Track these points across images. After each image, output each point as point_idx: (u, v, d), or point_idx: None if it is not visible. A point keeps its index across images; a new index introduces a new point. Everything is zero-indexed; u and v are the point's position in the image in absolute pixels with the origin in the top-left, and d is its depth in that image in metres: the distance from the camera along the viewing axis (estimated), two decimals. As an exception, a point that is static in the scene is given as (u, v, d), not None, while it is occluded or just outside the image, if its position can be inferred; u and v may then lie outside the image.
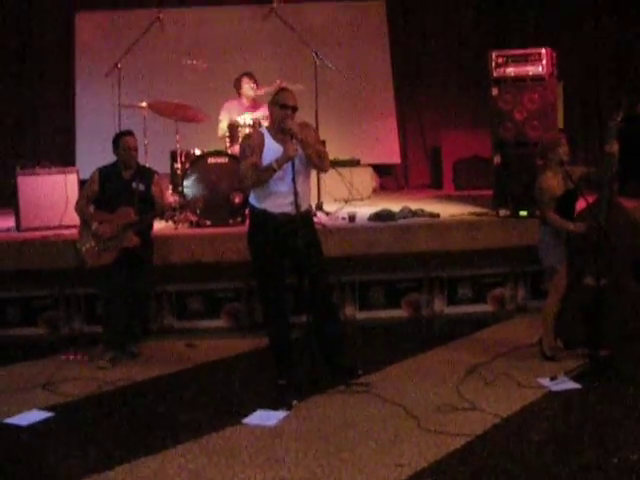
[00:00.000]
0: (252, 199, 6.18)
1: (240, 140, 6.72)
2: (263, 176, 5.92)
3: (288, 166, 5.85)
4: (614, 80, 12.57)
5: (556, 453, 4.78)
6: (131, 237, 6.89)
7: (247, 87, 9.62)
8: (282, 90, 6.25)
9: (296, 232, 5.85)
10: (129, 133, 7.25)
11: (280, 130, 6.00)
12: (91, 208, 7.18)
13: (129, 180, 7.13)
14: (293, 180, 5.84)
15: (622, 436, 4.98)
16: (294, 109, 6.03)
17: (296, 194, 5.86)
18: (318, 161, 6.06)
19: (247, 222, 7.01)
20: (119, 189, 7.10)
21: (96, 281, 7.24)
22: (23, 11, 12.94)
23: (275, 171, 5.84)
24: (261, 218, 6.10)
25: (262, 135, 6.13)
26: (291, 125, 5.89)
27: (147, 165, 8.05)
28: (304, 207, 6.07)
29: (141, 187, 7.12)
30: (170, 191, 9.19)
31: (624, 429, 5.08)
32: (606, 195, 6.24)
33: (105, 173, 7.19)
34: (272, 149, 5.98)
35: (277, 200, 5.99)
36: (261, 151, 6.02)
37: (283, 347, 6.28)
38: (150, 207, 7.15)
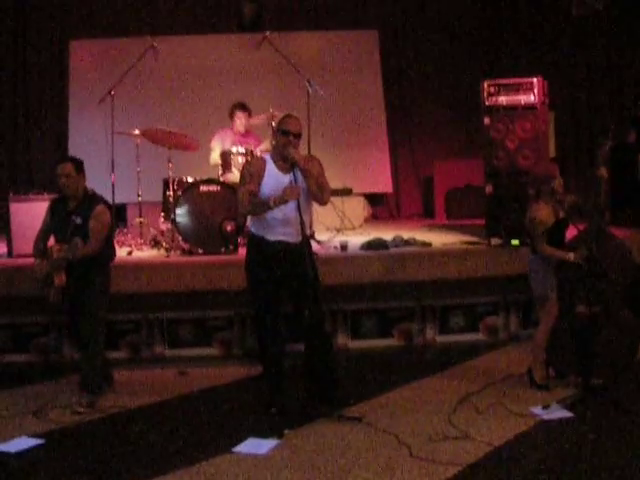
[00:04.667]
0: (251, 225, 6.17)
1: (241, 166, 6.69)
2: (258, 209, 5.93)
3: None
4: (606, 109, 12.66)
5: (548, 482, 4.76)
6: (60, 276, 6.14)
7: (238, 122, 9.65)
8: (286, 117, 6.12)
9: (294, 260, 5.87)
10: (62, 160, 6.64)
11: (282, 157, 5.99)
12: (52, 241, 6.56)
13: (70, 212, 6.46)
14: (298, 209, 5.80)
15: (615, 466, 4.95)
16: (296, 135, 5.99)
17: (302, 223, 5.84)
18: (318, 193, 6.04)
19: (240, 250, 6.97)
20: (61, 221, 6.46)
21: None
22: (17, 38, 13.03)
23: (271, 208, 5.81)
24: (259, 245, 6.08)
25: (264, 161, 6.11)
26: (293, 153, 5.87)
27: (138, 193, 7.95)
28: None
29: (78, 220, 6.36)
30: (162, 219, 9.18)
31: (617, 458, 5.06)
32: (596, 223, 6.26)
33: (54, 204, 6.63)
34: (273, 176, 5.97)
35: (277, 228, 5.98)
36: (261, 178, 6.00)
37: (276, 375, 6.26)
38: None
